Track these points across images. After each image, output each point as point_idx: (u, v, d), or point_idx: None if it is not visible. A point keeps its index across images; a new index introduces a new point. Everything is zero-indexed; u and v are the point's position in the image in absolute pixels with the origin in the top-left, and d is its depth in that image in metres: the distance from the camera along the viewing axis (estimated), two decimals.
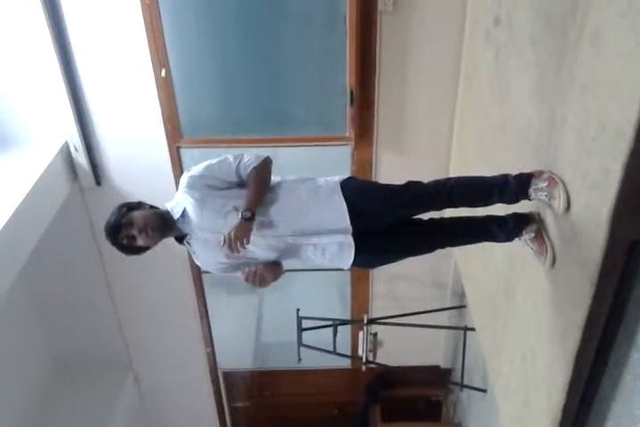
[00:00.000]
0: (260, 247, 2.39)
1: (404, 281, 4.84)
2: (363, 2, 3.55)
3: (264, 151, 4.13)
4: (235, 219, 2.26)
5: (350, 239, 2.37)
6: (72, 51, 3.71)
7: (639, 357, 2.02)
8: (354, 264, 2.46)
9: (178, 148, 4.12)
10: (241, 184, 2.40)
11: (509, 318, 2.88)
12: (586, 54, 1.91)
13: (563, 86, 2.10)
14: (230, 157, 2.43)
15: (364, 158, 4.19)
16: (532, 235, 2.38)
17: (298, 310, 4.52)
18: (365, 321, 4.67)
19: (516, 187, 2.28)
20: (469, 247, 2.84)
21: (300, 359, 4.67)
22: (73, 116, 3.84)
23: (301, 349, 4.61)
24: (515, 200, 2.34)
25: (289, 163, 4.30)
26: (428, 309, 4.70)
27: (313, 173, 4.34)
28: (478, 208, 2.47)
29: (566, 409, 2.24)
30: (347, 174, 2.57)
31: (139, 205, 2.42)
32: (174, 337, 5.18)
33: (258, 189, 2.33)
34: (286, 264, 2.54)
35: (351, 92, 3.84)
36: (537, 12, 2.39)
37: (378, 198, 2.40)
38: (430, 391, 5.82)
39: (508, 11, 2.79)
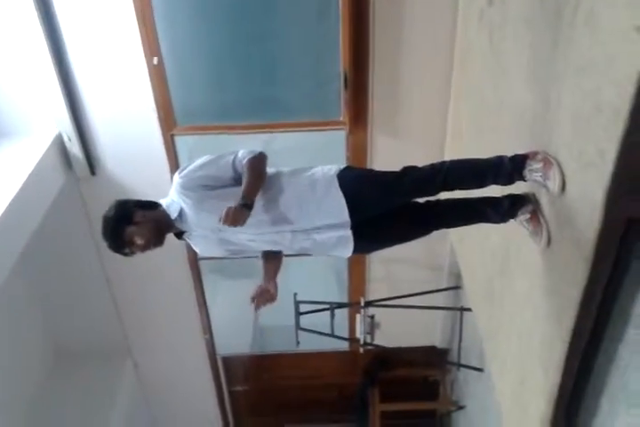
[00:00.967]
0: (260, 241, 2.43)
1: (400, 263, 4.87)
2: None
3: (259, 137, 4.20)
4: None
5: (349, 233, 2.39)
6: (64, 41, 3.69)
7: (634, 333, 2.06)
8: (353, 252, 2.48)
9: (172, 135, 4.11)
10: (237, 181, 2.37)
11: (505, 298, 2.91)
12: (580, 34, 1.91)
13: (557, 67, 2.10)
14: (224, 154, 2.42)
15: (358, 143, 4.19)
16: (528, 216, 2.38)
17: (295, 294, 4.55)
18: (362, 304, 4.71)
19: (511, 168, 2.29)
20: (465, 228, 2.86)
21: (298, 343, 4.71)
22: (65, 107, 3.81)
23: (299, 332, 4.65)
24: (510, 181, 2.35)
25: (284, 148, 4.30)
26: (425, 290, 4.73)
27: (308, 158, 4.40)
28: (474, 190, 2.48)
29: (562, 387, 2.27)
30: (342, 163, 2.58)
31: (134, 213, 2.33)
32: (172, 324, 5.21)
33: (254, 179, 2.32)
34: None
35: (345, 76, 3.83)
36: None
37: (375, 187, 2.41)
38: (427, 371, 5.88)
39: None
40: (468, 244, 3.65)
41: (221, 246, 2.49)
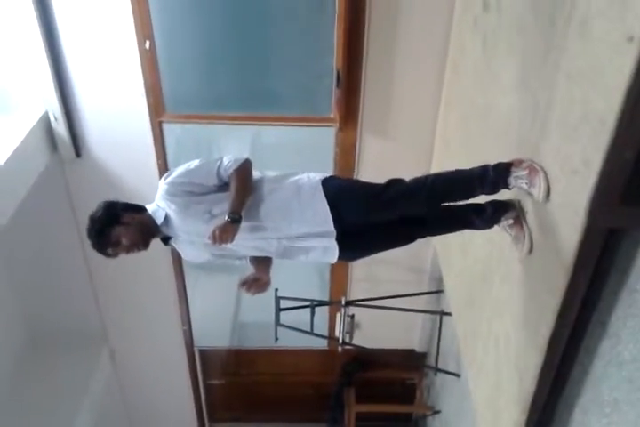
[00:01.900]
0: (245, 247, 2.44)
1: (383, 265, 4.85)
2: None
3: (247, 129, 4.16)
4: (213, 221, 2.28)
5: (334, 243, 2.40)
6: (55, 20, 3.64)
7: (610, 344, 2.05)
8: (338, 260, 2.49)
9: (160, 122, 4.07)
10: (221, 187, 2.39)
11: (485, 304, 2.90)
12: (572, 43, 1.90)
13: (548, 74, 2.10)
14: (209, 161, 2.42)
15: (347, 141, 4.17)
16: (511, 221, 2.37)
17: (276, 290, 4.52)
18: (343, 303, 4.68)
19: (496, 176, 2.27)
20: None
21: (277, 339, 4.68)
22: (54, 86, 3.77)
23: (279, 329, 4.62)
24: (495, 190, 2.33)
25: (272, 142, 4.27)
26: (406, 293, 4.73)
27: (296, 153, 4.37)
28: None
29: (536, 394, 2.27)
30: (330, 162, 2.58)
31: (121, 215, 2.36)
32: (151, 313, 5.18)
33: (241, 192, 2.32)
34: None
35: (338, 74, 3.81)
36: None
37: (359, 200, 2.40)
38: (405, 374, 5.88)
39: None
40: (452, 248, 3.64)
41: (207, 251, 2.51)
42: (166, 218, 2.40)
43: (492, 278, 2.79)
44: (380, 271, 4.91)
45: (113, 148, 4.16)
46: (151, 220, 2.41)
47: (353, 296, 4.92)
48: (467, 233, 2.73)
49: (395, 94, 3.97)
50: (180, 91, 4.03)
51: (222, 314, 5.55)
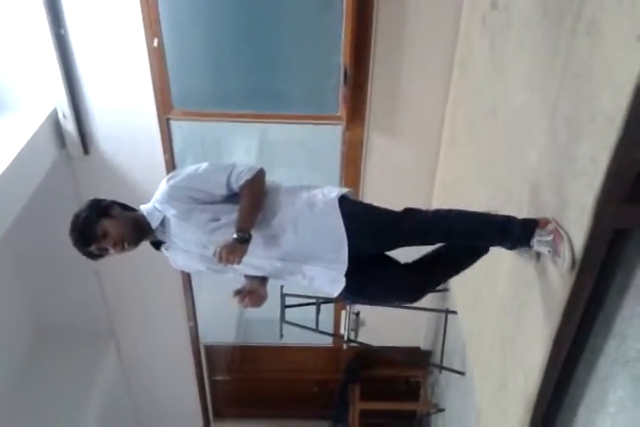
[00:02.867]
0: (245, 265, 2.19)
1: None
2: None
3: (255, 127, 4.16)
4: (221, 236, 2.09)
5: (342, 278, 2.21)
6: (64, 17, 3.64)
7: (615, 343, 2.05)
8: (338, 295, 2.32)
9: (167, 119, 4.07)
10: (228, 198, 2.20)
11: (491, 303, 2.90)
12: (581, 41, 1.90)
13: (557, 73, 2.09)
14: (220, 168, 2.22)
15: (354, 139, 4.16)
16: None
17: (282, 286, 4.52)
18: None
19: (519, 235, 2.11)
20: None
21: (282, 336, 4.68)
22: (63, 83, 3.78)
23: (284, 325, 4.63)
24: (514, 248, 2.20)
25: (279, 140, 4.27)
26: None
27: (303, 151, 4.37)
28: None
29: (541, 394, 2.28)
30: (342, 188, 2.31)
31: (110, 207, 2.20)
32: (158, 309, 5.19)
33: (253, 207, 2.13)
34: None
35: (345, 72, 3.81)
36: None
37: (373, 227, 2.21)
38: (410, 372, 5.87)
39: None
40: None
41: (203, 264, 2.31)
42: (163, 222, 2.21)
43: (498, 277, 2.79)
44: None
45: (121, 145, 4.16)
46: (144, 220, 2.22)
47: None
48: None
49: (402, 92, 3.96)
50: (188, 88, 4.03)
51: (228, 310, 5.55)
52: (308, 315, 4.57)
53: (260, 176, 2.21)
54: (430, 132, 4.07)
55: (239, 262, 2.04)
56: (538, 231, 2.08)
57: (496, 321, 2.81)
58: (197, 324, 5.38)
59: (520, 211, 2.40)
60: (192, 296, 5.14)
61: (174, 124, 4.12)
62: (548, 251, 2.03)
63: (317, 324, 4.59)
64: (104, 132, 4.12)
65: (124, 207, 2.27)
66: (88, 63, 3.85)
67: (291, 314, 4.59)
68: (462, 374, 4.39)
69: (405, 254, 2.44)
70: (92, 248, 2.16)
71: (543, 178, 2.22)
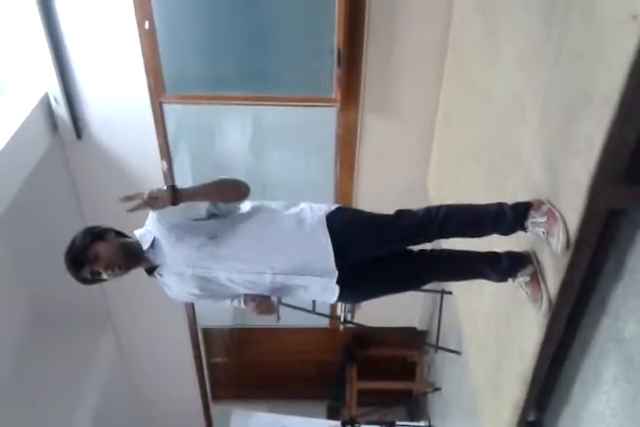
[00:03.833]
0: (238, 281, 2.28)
1: None
2: None
3: (249, 109, 4.14)
4: (209, 252, 2.21)
5: (334, 285, 2.27)
6: (54, 1, 3.59)
7: (610, 322, 2.07)
8: (337, 300, 2.39)
9: (160, 103, 4.04)
10: (215, 215, 2.27)
11: (486, 282, 2.90)
12: (575, 20, 1.89)
13: (551, 52, 2.08)
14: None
15: (349, 121, 4.15)
16: (527, 278, 2.22)
17: None
18: None
19: (513, 218, 2.14)
20: None
21: (279, 318, 4.70)
22: (54, 67, 3.74)
23: (281, 307, 4.65)
24: (510, 232, 2.21)
25: (273, 123, 4.24)
26: None
27: (297, 133, 4.34)
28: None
29: (536, 372, 2.29)
30: (332, 203, 2.37)
31: (105, 233, 2.26)
32: (155, 292, 5.15)
33: (209, 187, 2.20)
34: None
35: (338, 53, 3.78)
36: None
37: (366, 232, 2.27)
38: (406, 352, 5.92)
39: None
40: None
41: (196, 285, 2.33)
42: (153, 244, 2.27)
43: None
44: None
45: (113, 129, 4.14)
46: (137, 244, 2.28)
47: None
48: None
49: (396, 73, 3.94)
50: (180, 71, 3.99)
51: None
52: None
53: (242, 182, 2.25)
54: (425, 112, 4.05)
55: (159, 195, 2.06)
56: (532, 213, 2.09)
57: (491, 301, 2.82)
58: (195, 307, 5.40)
59: (514, 192, 2.40)
60: None
61: (167, 108, 4.09)
62: (543, 232, 2.04)
63: (314, 306, 4.61)
64: (96, 116, 4.09)
65: (119, 234, 2.31)
66: (79, 47, 3.80)
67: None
68: (458, 353, 4.42)
69: None
70: (85, 271, 2.21)
71: (537, 159, 2.22)
